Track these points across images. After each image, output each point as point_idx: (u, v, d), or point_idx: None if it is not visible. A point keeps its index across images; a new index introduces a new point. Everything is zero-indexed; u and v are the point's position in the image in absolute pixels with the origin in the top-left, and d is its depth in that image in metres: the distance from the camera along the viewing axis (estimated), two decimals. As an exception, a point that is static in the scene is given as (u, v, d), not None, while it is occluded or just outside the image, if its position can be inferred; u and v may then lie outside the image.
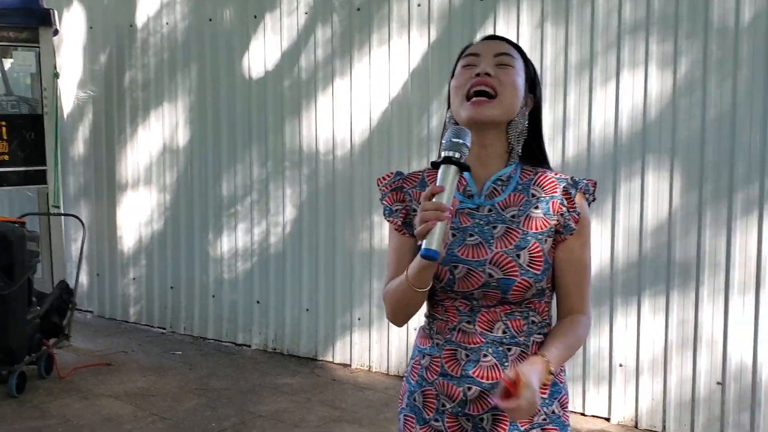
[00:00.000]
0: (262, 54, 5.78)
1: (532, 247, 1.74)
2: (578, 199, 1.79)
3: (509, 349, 1.75)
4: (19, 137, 5.85)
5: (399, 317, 1.83)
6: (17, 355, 4.89)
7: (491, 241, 1.75)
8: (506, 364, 1.74)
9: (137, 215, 6.63)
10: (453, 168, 1.60)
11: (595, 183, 1.84)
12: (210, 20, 6.03)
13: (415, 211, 1.81)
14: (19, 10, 5.83)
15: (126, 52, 6.59)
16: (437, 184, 1.59)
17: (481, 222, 1.78)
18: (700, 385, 4.29)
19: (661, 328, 4.40)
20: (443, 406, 1.80)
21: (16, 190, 6.45)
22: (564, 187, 1.80)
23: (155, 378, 5.36)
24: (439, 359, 1.80)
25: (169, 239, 6.45)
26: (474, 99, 1.74)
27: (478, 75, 1.75)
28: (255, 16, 5.80)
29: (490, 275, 1.73)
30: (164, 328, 6.54)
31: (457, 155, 1.61)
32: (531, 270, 1.73)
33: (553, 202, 1.78)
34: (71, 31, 6.86)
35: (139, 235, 6.64)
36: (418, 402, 1.85)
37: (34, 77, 6.14)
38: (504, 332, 1.76)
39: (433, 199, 1.58)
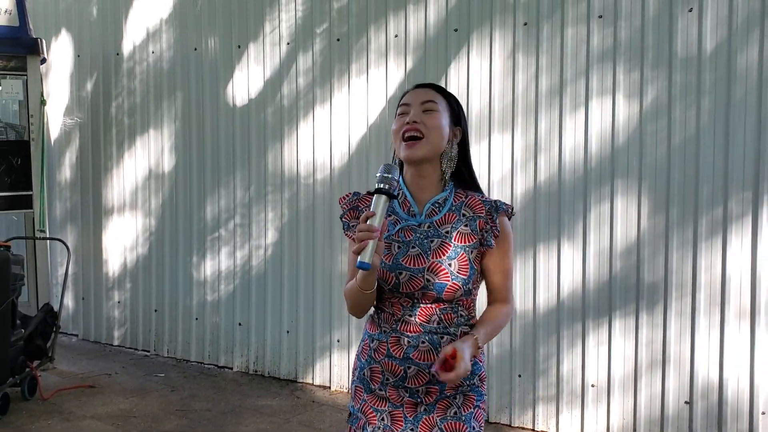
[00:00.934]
0: (245, 82, 5.92)
1: (461, 258, 2.16)
2: (500, 219, 2.21)
3: (442, 337, 2.16)
4: (5, 163, 5.96)
5: (356, 311, 2.24)
6: (1, 376, 4.95)
7: (429, 252, 2.16)
8: (438, 348, 2.14)
9: (123, 239, 6.72)
10: (383, 197, 2.01)
11: (512, 207, 2.28)
12: (195, 49, 6.17)
13: None
14: (8, 39, 5.96)
15: (112, 80, 6.72)
16: (370, 210, 2.01)
17: (422, 236, 2.19)
18: (669, 404, 4.40)
19: (631, 348, 4.51)
20: (387, 380, 2.21)
21: (2, 214, 6.54)
22: (488, 209, 2.21)
23: (137, 400, 5.43)
24: (386, 344, 2.20)
25: (154, 263, 6.54)
26: (407, 142, 2.17)
27: (408, 123, 2.16)
28: (239, 46, 5.94)
29: (428, 280, 2.15)
30: (148, 351, 6.61)
31: (386, 186, 2.01)
32: (460, 275, 2.15)
33: (479, 221, 2.20)
34: (59, 59, 6.99)
35: (124, 259, 6.73)
36: (366, 376, 2.26)
37: (22, 104, 6.26)
38: (438, 323, 2.17)
39: (368, 222, 1.98)
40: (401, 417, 2.22)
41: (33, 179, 6.09)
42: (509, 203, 2.31)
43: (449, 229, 2.20)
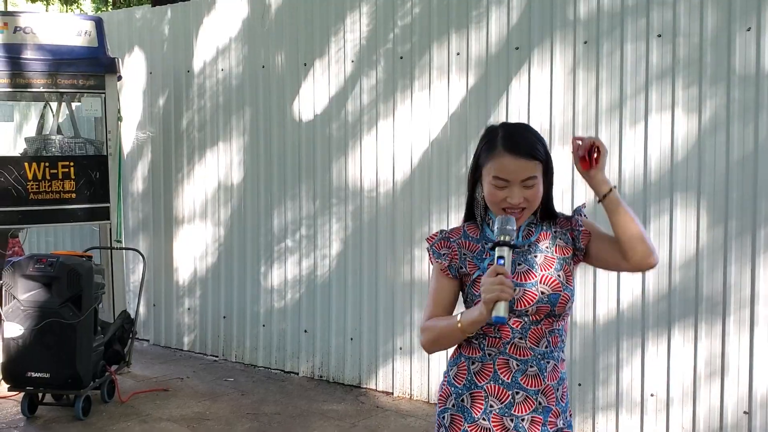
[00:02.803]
0: (311, 98, 6.15)
1: (566, 269, 2.23)
2: (578, 220, 2.27)
3: (548, 362, 2.20)
4: (85, 176, 6.29)
5: (435, 349, 2.25)
6: (84, 380, 5.24)
7: (536, 267, 2.22)
8: (544, 374, 2.18)
9: (192, 248, 7.01)
10: (505, 249, 2.08)
11: (584, 204, 2.39)
12: (263, 67, 6.43)
13: (464, 255, 2.26)
14: (87, 59, 6.29)
15: (183, 96, 7.02)
16: (496, 264, 2.05)
17: (525, 255, 2.25)
18: (728, 415, 4.47)
19: (690, 359, 4.59)
20: (491, 406, 2.18)
21: (80, 225, 6.89)
22: (569, 219, 2.31)
23: (209, 403, 5.69)
24: (491, 365, 2.19)
25: (223, 271, 6.81)
26: (508, 213, 2.19)
27: (510, 205, 2.17)
28: (305, 64, 6.18)
29: (542, 292, 2.18)
30: (217, 356, 6.89)
31: (508, 238, 2.09)
32: (569, 286, 2.21)
33: (569, 233, 2.28)
34: (132, 76, 7.32)
35: (194, 267, 7.02)
36: (466, 403, 2.22)
37: (99, 120, 6.59)
38: (546, 347, 2.19)
39: (498, 275, 2.01)
40: None
41: (110, 192, 6.40)
42: (581, 204, 2.38)
43: (548, 244, 2.26)
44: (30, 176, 6.10)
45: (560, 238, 2.27)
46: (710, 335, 4.53)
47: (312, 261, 6.23)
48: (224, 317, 6.83)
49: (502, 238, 2.08)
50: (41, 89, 6.32)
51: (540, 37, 5.05)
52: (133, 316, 6.08)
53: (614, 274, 4.80)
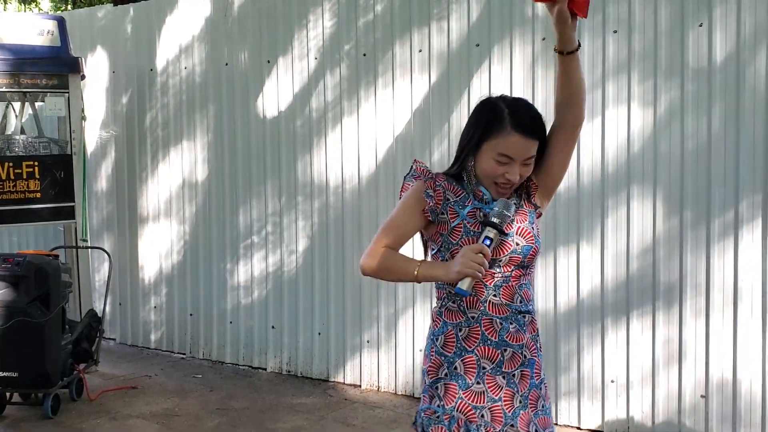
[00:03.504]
0: (275, 95, 6.20)
1: (535, 224, 2.34)
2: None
3: (524, 317, 2.30)
4: (50, 176, 6.27)
5: (378, 275, 2.32)
6: (53, 378, 5.24)
7: (514, 219, 2.29)
8: (524, 328, 2.28)
9: (158, 246, 7.02)
10: (494, 232, 2.18)
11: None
12: (226, 64, 6.47)
13: (446, 200, 2.30)
14: (50, 59, 6.26)
15: (147, 94, 7.03)
16: (482, 242, 2.16)
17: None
18: (686, 398, 4.63)
19: (648, 345, 4.74)
20: (483, 368, 2.25)
21: (44, 225, 6.87)
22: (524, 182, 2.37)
23: (178, 400, 5.72)
24: (479, 328, 2.26)
25: (189, 268, 6.83)
26: (498, 189, 2.29)
27: (507, 180, 2.25)
28: (268, 61, 6.23)
29: (517, 243, 2.27)
30: (184, 354, 6.91)
31: (499, 222, 2.18)
32: (538, 238, 2.32)
33: (524, 189, 2.38)
34: (95, 75, 7.29)
35: (160, 265, 7.03)
36: (459, 370, 2.27)
37: (63, 120, 6.57)
38: (520, 302, 2.29)
39: (478, 254, 2.13)
40: (501, 413, 2.23)
41: (75, 191, 6.39)
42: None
43: (518, 202, 2.33)
44: (-7, 176, 6.07)
45: (522, 197, 2.37)
46: (667, 322, 4.68)
47: (278, 257, 6.28)
48: (191, 315, 6.85)
49: (496, 221, 2.16)
50: (4, 89, 6.27)
51: (500, 34, 5.16)
52: (100, 314, 6.08)
53: (574, 261, 4.93)
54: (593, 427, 4.93)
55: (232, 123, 6.47)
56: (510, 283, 2.27)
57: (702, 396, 4.58)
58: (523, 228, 2.29)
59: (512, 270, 2.26)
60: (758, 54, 4.38)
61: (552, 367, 5.03)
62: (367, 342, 5.86)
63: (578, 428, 4.96)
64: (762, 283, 4.40)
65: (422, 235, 2.43)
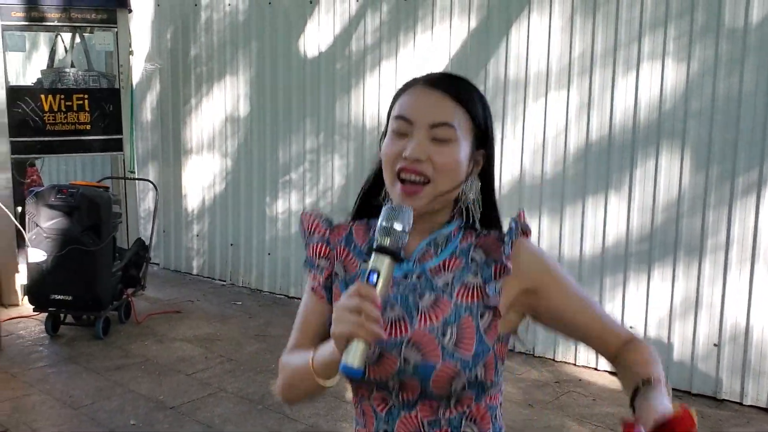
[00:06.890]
0: (316, 36, 6.35)
1: (464, 324, 1.38)
2: (516, 245, 1.40)
3: None
4: (99, 109, 6.54)
5: (291, 397, 1.48)
6: (104, 302, 5.62)
7: (414, 315, 1.40)
8: None
9: (201, 178, 7.30)
10: (386, 260, 1.27)
11: (521, 213, 1.44)
12: (270, 3, 6.60)
13: (337, 275, 1.53)
14: (100, -7, 6.47)
15: (191, 28, 7.19)
16: (364, 281, 1.26)
17: (407, 291, 1.42)
18: (699, 346, 4.85)
19: (667, 295, 4.95)
20: None
21: (98, 156, 7.18)
22: (500, 239, 1.44)
23: (219, 325, 6.07)
24: None
25: (230, 200, 7.12)
26: (403, 186, 1.38)
27: (405, 159, 1.37)
28: (311, 1, 6.35)
29: (405, 360, 1.37)
30: (224, 281, 7.25)
31: (390, 243, 1.28)
32: (459, 352, 1.35)
33: (494, 267, 1.41)
34: (140, 8, 7.46)
35: (203, 196, 7.33)
36: None
37: (111, 54, 6.78)
38: None
39: (362, 296, 1.22)
40: None
41: (123, 124, 6.66)
42: (521, 219, 1.44)
43: (450, 279, 1.41)
44: (46, 108, 6.34)
45: (477, 273, 1.42)
46: (687, 273, 4.86)
47: (315, 194, 6.53)
48: (231, 244, 7.16)
49: (382, 241, 1.28)
50: (55, 23, 6.48)
51: (540, -16, 5.23)
52: (147, 243, 6.41)
53: (602, 212, 5.12)
54: (609, 369, 5.18)
55: (274, 61, 6.64)
56: (411, 415, 1.40)
57: (715, 344, 4.80)
58: (420, 334, 1.37)
59: (414, 404, 1.40)
60: (794, 16, 4.42)
61: (574, 311, 5.25)
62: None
63: (595, 369, 5.22)
64: (781, 241, 4.56)
65: None
